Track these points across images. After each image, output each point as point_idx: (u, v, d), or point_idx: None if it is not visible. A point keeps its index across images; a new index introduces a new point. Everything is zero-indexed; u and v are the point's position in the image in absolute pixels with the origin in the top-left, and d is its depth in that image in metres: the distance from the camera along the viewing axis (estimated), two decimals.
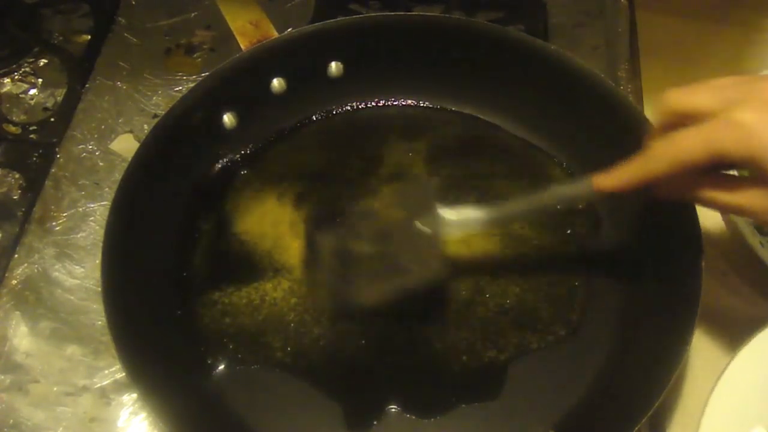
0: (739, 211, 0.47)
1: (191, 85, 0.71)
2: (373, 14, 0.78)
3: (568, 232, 0.66)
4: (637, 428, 0.52)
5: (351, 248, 0.61)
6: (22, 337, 0.64)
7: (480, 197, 0.68)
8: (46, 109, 0.78)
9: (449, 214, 0.58)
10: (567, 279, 0.64)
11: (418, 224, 0.58)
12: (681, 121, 0.47)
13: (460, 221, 0.58)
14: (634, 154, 0.50)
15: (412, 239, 0.58)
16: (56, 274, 0.67)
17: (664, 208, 0.56)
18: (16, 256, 0.68)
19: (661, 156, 0.47)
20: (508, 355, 0.61)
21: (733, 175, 0.48)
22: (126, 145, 0.74)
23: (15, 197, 0.72)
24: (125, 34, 0.82)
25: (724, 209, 0.48)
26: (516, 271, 0.65)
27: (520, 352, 0.61)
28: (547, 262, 0.65)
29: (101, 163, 0.73)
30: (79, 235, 0.69)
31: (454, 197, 0.68)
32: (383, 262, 0.59)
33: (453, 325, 0.62)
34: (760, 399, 0.52)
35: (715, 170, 0.47)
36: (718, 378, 0.53)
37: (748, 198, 0.46)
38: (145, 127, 0.75)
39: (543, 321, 0.62)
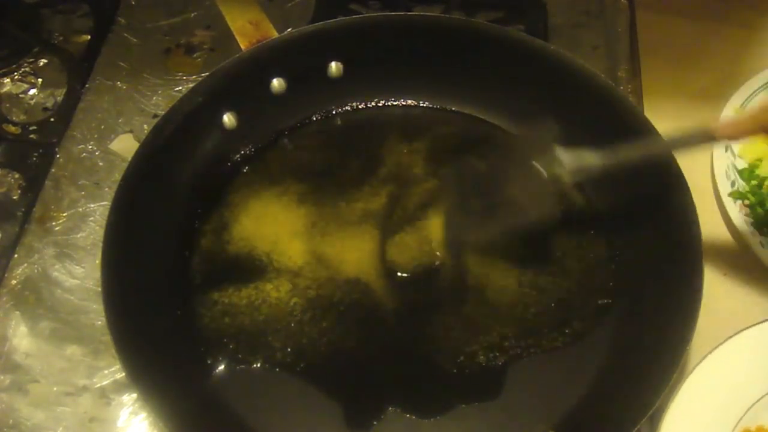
0: None
1: (191, 85, 0.71)
2: (373, 14, 0.78)
3: (570, 234, 0.66)
4: (637, 428, 0.52)
5: (472, 184, 0.65)
6: (22, 337, 0.64)
7: (480, 197, 0.68)
8: (46, 109, 0.78)
9: (566, 156, 0.59)
10: (568, 280, 0.64)
11: (536, 164, 0.61)
12: None
13: (576, 164, 0.59)
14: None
15: (529, 179, 0.61)
16: (56, 274, 0.67)
17: (664, 208, 0.56)
18: (16, 256, 0.68)
19: None
20: (508, 356, 0.61)
21: None
22: (126, 145, 0.74)
23: (15, 197, 0.72)
24: (125, 34, 0.82)
25: None
26: (517, 273, 0.65)
27: (520, 353, 0.61)
28: (548, 264, 0.65)
29: (101, 163, 0.73)
30: (79, 235, 0.69)
31: (455, 197, 0.68)
32: (500, 199, 0.62)
33: (453, 326, 0.62)
34: (714, 416, 0.53)
35: None
36: (675, 392, 0.53)
37: None
38: (145, 127, 0.75)
39: (543, 323, 0.62)
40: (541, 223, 0.61)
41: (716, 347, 0.53)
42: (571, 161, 0.60)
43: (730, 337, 0.53)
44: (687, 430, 0.52)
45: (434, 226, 0.67)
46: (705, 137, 0.56)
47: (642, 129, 0.63)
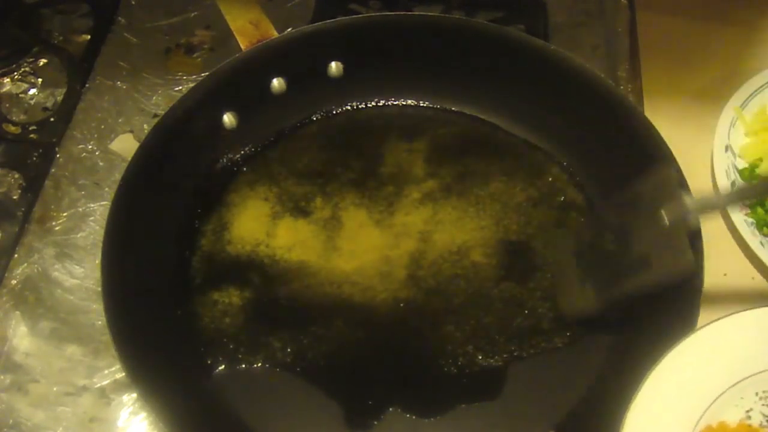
0: None
1: (191, 85, 0.71)
2: (373, 14, 0.78)
3: (570, 236, 0.66)
4: None
5: (591, 245, 0.59)
6: (22, 337, 0.64)
7: (480, 197, 0.68)
8: (46, 109, 0.78)
9: (693, 202, 0.54)
10: (567, 281, 0.64)
11: (663, 214, 0.54)
12: None
13: (704, 208, 0.54)
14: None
15: (656, 231, 0.54)
16: (56, 274, 0.67)
17: (664, 209, 0.56)
18: (16, 256, 0.68)
19: None
20: (508, 357, 0.61)
21: None
22: (126, 145, 0.74)
23: (15, 197, 0.72)
24: (125, 34, 0.82)
25: None
26: (517, 274, 0.65)
27: (520, 354, 0.61)
28: (549, 266, 0.65)
29: (101, 163, 0.73)
30: (79, 235, 0.69)
31: (454, 197, 0.68)
32: (625, 257, 0.56)
33: (454, 327, 0.62)
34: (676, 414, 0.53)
35: None
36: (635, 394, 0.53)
37: None
38: (145, 127, 0.75)
39: (544, 324, 0.62)
40: (677, 279, 0.54)
41: (673, 347, 0.53)
42: (694, 204, 0.54)
43: (687, 336, 0.53)
44: (650, 427, 0.52)
45: (434, 227, 0.67)
46: None
47: (642, 129, 0.63)
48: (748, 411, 0.52)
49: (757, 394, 0.53)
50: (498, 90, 0.72)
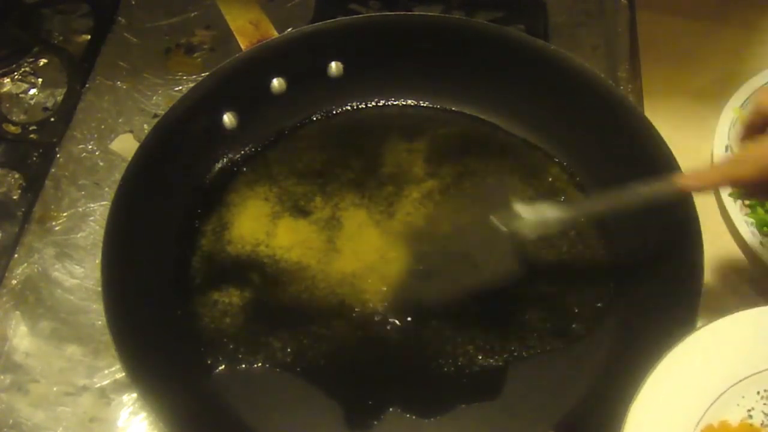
0: None
1: (191, 85, 0.71)
2: (373, 14, 0.78)
3: (571, 238, 0.66)
4: None
5: (428, 246, 0.63)
6: (22, 337, 0.64)
7: (480, 197, 0.68)
8: (46, 108, 0.78)
9: (525, 211, 0.57)
10: (568, 282, 0.64)
11: (494, 221, 0.58)
12: None
13: (536, 219, 0.57)
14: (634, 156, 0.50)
15: (487, 237, 0.59)
16: (56, 274, 0.67)
17: (664, 209, 0.56)
18: (16, 256, 0.68)
19: (752, 159, 0.47)
20: (508, 357, 0.61)
21: None
22: (126, 145, 0.74)
23: (15, 197, 0.72)
24: (125, 34, 0.82)
25: None
26: (517, 275, 0.65)
27: (520, 354, 0.61)
28: (549, 266, 0.65)
29: (101, 163, 0.73)
30: (79, 235, 0.69)
31: (454, 196, 0.68)
32: (458, 259, 0.61)
33: (454, 327, 0.62)
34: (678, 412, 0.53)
35: None
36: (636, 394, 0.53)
37: None
38: (145, 127, 0.75)
39: (544, 324, 0.62)
40: (501, 281, 0.60)
41: (674, 346, 0.53)
42: (530, 215, 0.57)
43: (690, 334, 0.54)
44: (651, 428, 0.52)
45: (434, 227, 0.67)
46: (669, 189, 0.53)
47: (642, 129, 0.63)
48: (749, 410, 0.52)
49: (758, 393, 0.53)
50: (498, 90, 0.72)
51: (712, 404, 0.52)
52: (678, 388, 0.52)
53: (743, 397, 0.53)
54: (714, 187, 0.50)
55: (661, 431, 0.52)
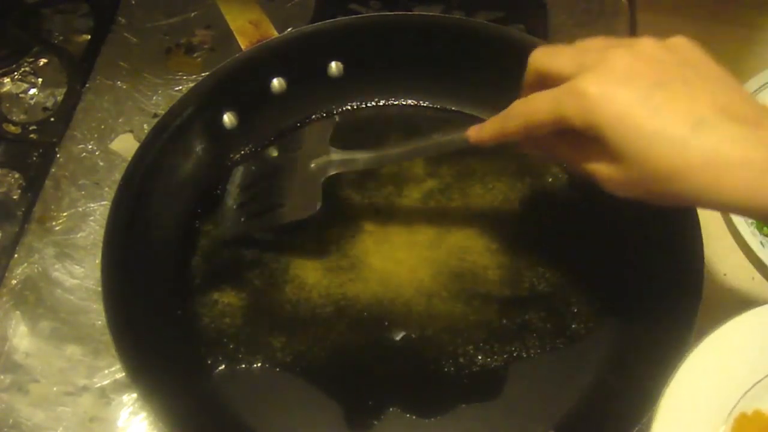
0: (589, 175, 0.47)
1: (191, 85, 0.71)
2: (373, 14, 0.78)
3: (570, 237, 0.66)
4: (636, 428, 0.52)
5: (254, 182, 0.67)
6: (22, 337, 0.64)
7: (480, 197, 0.68)
8: (46, 108, 0.78)
9: (336, 154, 0.62)
10: (568, 282, 0.64)
11: (312, 163, 0.63)
12: (544, 81, 0.48)
13: (345, 161, 0.62)
14: None
15: (299, 176, 0.63)
16: (56, 274, 0.67)
17: (664, 209, 0.56)
18: (16, 256, 0.68)
19: (515, 115, 0.49)
20: (508, 356, 0.61)
21: (585, 138, 0.46)
22: (126, 145, 0.74)
23: (15, 197, 0.72)
24: (125, 34, 0.82)
25: (577, 171, 0.49)
26: (517, 275, 0.65)
27: (520, 353, 0.61)
28: (549, 266, 0.65)
29: (101, 163, 0.73)
30: (79, 235, 0.69)
31: (455, 196, 0.68)
32: (271, 195, 0.64)
33: (454, 327, 0.62)
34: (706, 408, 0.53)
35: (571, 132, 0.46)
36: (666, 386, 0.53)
37: (595, 163, 0.46)
38: (145, 126, 0.75)
39: (544, 324, 0.62)
40: (299, 218, 0.62)
41: (711, 332, 0.53)
42: (339, 157, 0.62)
43: (725, 322, 0.54)
44: (683, 414, 0.52)
45: (434, 227, 0.67)
46: (459, 139, 0.55)
47: None
48: None
49: None
50: (498, 90, 0.71)
51: (745, 393, 0.53)
52: (711, 376, 0.52)
53: None
54: (491, 141, 0.52)
55: (694, 418, 0.52)
